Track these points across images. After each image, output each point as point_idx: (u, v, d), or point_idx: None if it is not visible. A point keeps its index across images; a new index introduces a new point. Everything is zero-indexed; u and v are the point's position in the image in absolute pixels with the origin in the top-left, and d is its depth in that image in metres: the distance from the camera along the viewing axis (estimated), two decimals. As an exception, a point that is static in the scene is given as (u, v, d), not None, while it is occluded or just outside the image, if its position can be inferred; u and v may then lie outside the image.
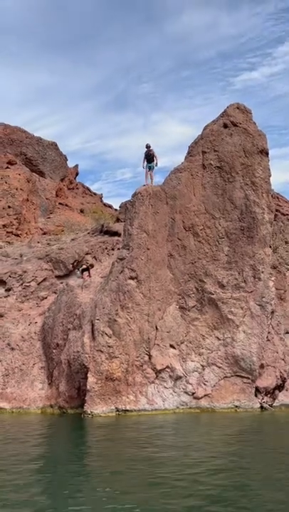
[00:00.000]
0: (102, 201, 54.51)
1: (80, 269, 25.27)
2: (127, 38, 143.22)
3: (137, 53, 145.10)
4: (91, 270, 25.25)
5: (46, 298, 24.92)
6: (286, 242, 25.34)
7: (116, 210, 47.32)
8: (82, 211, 48.36)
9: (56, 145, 50.43)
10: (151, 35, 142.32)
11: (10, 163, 43.17)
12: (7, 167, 42.49)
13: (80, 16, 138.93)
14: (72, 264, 26.65)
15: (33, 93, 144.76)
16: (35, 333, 22.58)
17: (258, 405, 20.03)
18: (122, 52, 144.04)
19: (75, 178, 54.91)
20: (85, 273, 24.74)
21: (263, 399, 20.35)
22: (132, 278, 20.59)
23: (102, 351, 19.34)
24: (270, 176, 21.90)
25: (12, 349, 22.23)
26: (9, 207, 38.36)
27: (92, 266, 26.01)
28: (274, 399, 20.52)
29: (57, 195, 47.65)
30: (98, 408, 18.66)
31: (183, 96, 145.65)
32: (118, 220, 34.14)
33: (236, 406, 19.79)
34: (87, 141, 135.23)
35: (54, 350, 21.10)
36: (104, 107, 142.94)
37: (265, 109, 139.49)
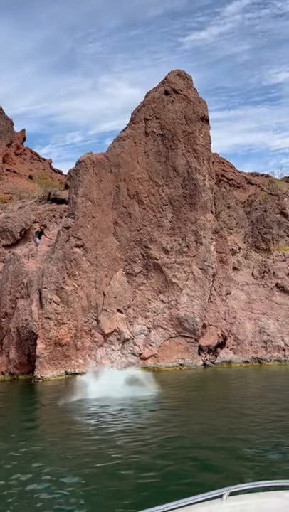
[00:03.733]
0: (51, 167, 53.62)
1: (36, 235, 25.45)
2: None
3: (81, 12, 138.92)
4: (45, 231, 25.54)
5: (-6, 267, 24.89)
6: (228, 207, 26.28)
7: (65, 175, 46.78)
8: (30, 177, 47.46)
9: (1, 109, 48.77)
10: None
11: None
12: None
13: None
14: (20, 232, 26.59)
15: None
16: (-17, 303, 22.68)
17: (201, 363, 21.31)
18: (66, 11, 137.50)
19: (22, 143, 53.51)
20: (42, 236, 25.00)
21: (205, 356, 21.64)
22: (78, 246, 20.95)
23: (50, 318, 19.83)
24: (210, 142, 22.48)
25: None
26: None
27: (44, 226, 26.21)
28: (216, 356, 21.83)
29: (4, 161, 46.45)
30: (48, 373, 19.32)
31: (131, 57, 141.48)
32: (67, 186, 33.95)
33: (181, 364, 20.98)
34: (33, 103, 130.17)
35: (3, 319, 21.40)
36: (51, 67, 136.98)
37: (214, 71, 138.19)
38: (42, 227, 25.95)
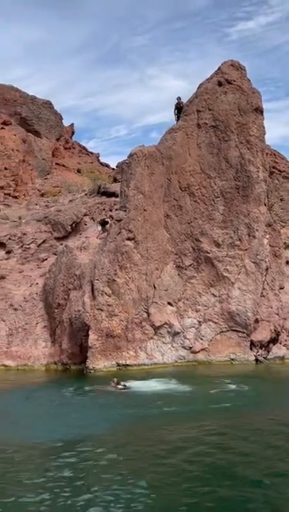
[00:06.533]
0: (98, 161, 54.18)
1: (101, 224, 25.91)
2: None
3: (127, 4, 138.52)
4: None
5: (46, 259, 25.47)
6: (281, 200, 25.66)
7: (113, 169, 47.12)
8: (79, 171, 48.15)
9: (51, 103, 49.57)
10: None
11: (5, 123, 42.63)
12: (2, 128, 42.01)
13: None
14: (71, 225, 27.05)
15: (20, 49, 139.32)
16: (36, 293, 23.25)
17: (253, 358, 20.95)
18: (111, 4, 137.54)
19: (71, 137, 54.26)
20: (107, 226, 25.50)
21: (257, 352, 21.25)
22: (129, 239, 21.03)
23: (102, 310, 20.05)
24: (264, 134, 21.96)
25: (15, 310, 22.95)
26: (5, 168, 38.25)
27: (111, 217, 26.79)
28: (268, 352, 21.40)
29: (53, 156, 47.27)
30: (100, 363, 19.56)
31: (177, 49, 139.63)
32: (115, 180, 34.15)
33: (232, 359, 20.72)
34: (80, 97, 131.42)
35: (56, 310, 21.83)
36: (97, 61, 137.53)
37: (262, 61, 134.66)
38: (107, 220, 26.27)
